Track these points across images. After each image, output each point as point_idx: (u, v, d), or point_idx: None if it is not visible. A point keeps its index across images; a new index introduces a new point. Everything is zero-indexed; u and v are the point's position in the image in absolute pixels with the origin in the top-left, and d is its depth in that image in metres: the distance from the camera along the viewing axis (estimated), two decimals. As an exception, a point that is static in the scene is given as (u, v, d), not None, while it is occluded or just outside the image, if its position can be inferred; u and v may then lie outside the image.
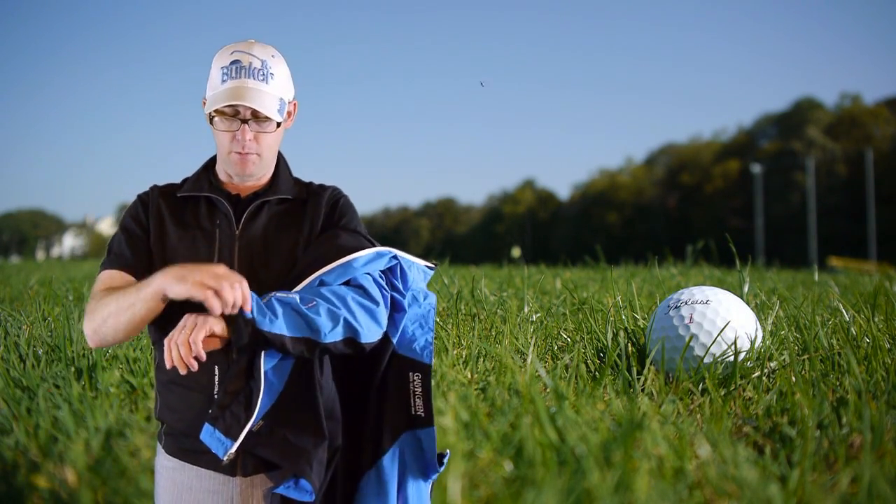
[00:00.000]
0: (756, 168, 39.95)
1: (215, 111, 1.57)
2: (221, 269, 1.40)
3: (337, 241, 1.61)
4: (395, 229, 71.95)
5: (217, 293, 1.35)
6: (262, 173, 1.66)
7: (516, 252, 10.90)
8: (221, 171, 1.68)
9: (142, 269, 1.58)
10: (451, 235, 66.46)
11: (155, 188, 1.70)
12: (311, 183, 1.75)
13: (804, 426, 1.92)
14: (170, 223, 1.63)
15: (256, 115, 1.57)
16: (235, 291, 1.37)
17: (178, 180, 1.74)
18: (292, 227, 1.65)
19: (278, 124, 1.61)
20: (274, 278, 1.56)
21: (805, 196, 39.53)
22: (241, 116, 1.57)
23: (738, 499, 1.53)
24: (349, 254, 1.56)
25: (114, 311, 1.46)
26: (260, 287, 1.49)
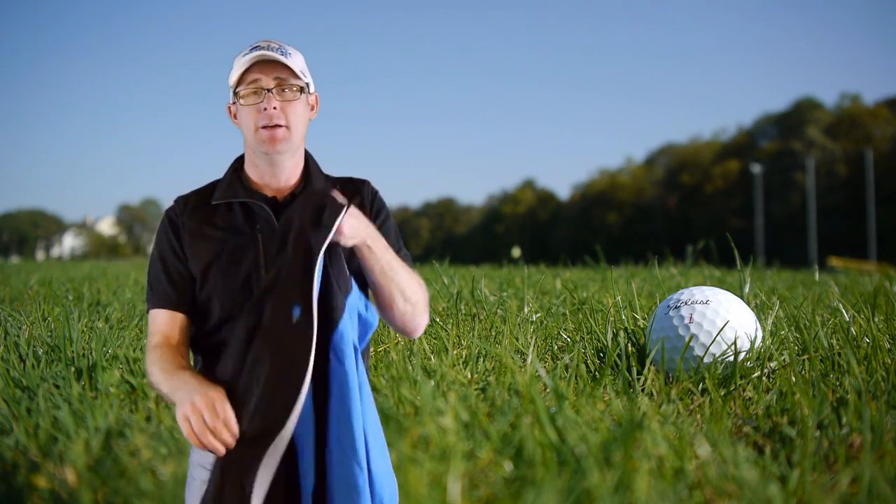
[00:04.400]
0: (756, 168, 39.98)
1: (239, 88, 1.56)
2: (192, 418, 1.38)
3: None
4: (395, 229, 71.78)
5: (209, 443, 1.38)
6: (292, 152, 1.61)
7: (516, 252, 10.89)
8: (251, 169, 1.64)
9: (187, 300, 1.60)
10: (451, 235, 66.52)
11: (181, 200, 1.65)
12: (338, 178, 1.71)
13: (804, 426, 1.92)
14: (205, 237, 1.59)
15: (280, 86, 1.56)
16: (215, 427, 1.37)
17: (195, 184, 1.69)
18: None
19: (301, 90, 1.59)
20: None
21: (805, 196, 39.56)
22: (264, 85, 1.56)
23: (738, 499, 1.53)
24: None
25: (160, 390, 1.51)
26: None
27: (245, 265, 1.55)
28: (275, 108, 1.56)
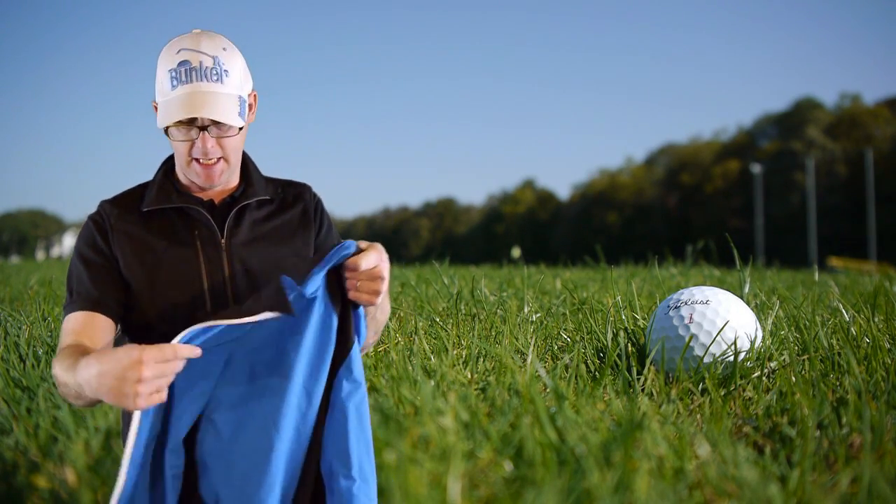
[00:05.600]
0: (756, 168, 39.99)
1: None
2: (133, 366, 1.14)
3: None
4: (395, 229, 72.02)
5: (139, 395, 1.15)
6: (229, 179, 1.51)
7: (516, 252, 10.89)
8: (185, 178, 1.51)
9: (113, 302, 1.43)
10: (451, 235, 66.55)
11: (107, 205, 1.49)
12: (278, 179, 1.62)
13: (804, 426, 1.92)
14: (140, 243, 1.45)
15: (217, 121, 1.41)
16: (157, 370, 1.16)
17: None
18: (286, 233, 1.54)
19: (240, 128, 1.45)
20: None
21: (805, 196, 39.57)
22: (198, 124, 1.40)
23: (738, 499, 1.53)
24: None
25: (68, 393, 1.30)
26: None
27: (189, 276, 1.43)
28: (211, 146, 1.42)
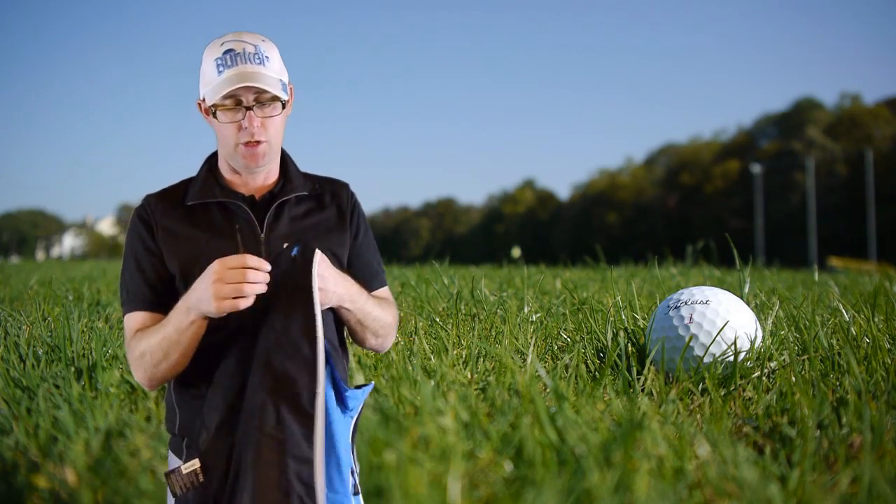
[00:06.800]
0: (756, 168, 39.99)
1: (216, 105, 1.49)
2: (232, 266, 1.36)
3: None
4: (395, 229, 72.00)
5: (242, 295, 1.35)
6: (272, 163, 1.59)
7: (516, 252, 10.89)
8: (226, 168, 1.60)
9: (166, 302, 1.52)
10: (451, 235, 66.53)
11: (152, 199, 1.59)
12: (316, 175, 1.69)
13: (804, 426, 1.92)
14: (183, 237, 1.54)
15: (260, 101, 1.50)
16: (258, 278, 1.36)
17: (172, 183, 1.63)
18: (322, 230, 1.60)
19: (283, 105, 1.54)
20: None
21: (805, 196, 39.56)
22: (245, 104, 1.49)
23: (738, 499, 1.53)
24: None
25: (160, 355, 1.45)
26: None
27: None
28: (257, 125, 1.50)
